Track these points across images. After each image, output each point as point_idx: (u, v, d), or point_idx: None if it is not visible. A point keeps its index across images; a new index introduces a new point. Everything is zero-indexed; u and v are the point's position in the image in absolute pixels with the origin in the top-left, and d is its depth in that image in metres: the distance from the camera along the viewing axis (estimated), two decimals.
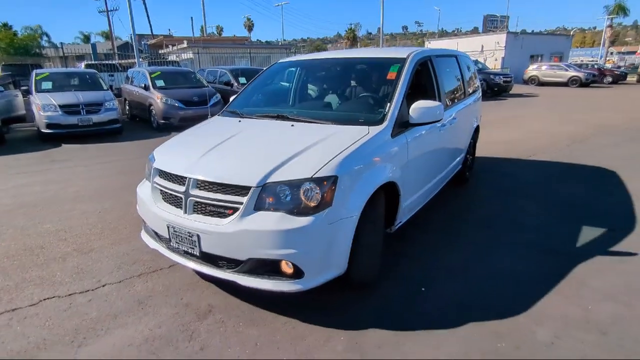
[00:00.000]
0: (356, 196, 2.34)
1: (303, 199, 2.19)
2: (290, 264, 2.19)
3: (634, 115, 11.23)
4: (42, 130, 8.21)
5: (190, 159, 2.55)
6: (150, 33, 46.44)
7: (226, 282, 2.41)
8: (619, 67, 32.76)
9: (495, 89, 17.88)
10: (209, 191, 2.34)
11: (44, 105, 8.17)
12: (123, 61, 19.72)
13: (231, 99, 3.91)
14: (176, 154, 2.84)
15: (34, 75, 9.30)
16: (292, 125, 2.93)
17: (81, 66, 17.45)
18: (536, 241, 3.42)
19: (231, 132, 2.92)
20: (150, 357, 2.09)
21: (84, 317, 2.43)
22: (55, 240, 3.55)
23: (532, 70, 25.13)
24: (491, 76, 18.12)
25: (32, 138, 8.75)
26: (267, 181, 2.22)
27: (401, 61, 3.23)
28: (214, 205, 2.32)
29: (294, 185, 2.21)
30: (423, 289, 2.72)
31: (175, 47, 25.72)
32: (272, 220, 2.16)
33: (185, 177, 2.42)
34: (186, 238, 2.37)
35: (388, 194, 2.74)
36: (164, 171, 2.60)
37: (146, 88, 10.11)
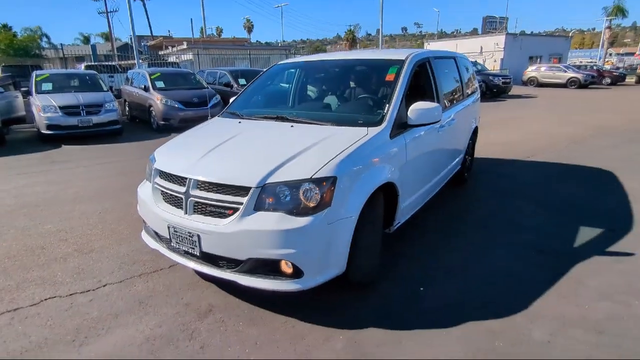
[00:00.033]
0: (355, 197, 2.36)
1: (302, 199, 2.21)
2: (289, 263, 2.21)
3: (632, 116, 11.27)
4: (42, 132, 8.24)
5: (190, 159, 2.57)
6: (150, 34, 46.53)
7: (226, 282, 2.43)
8: (618, 68, 32.84)
9: (494, 90, 17.93)
10: (209, 192, 2.36)
11: (44, 107, 8.19)
12: (123, 62, 19.76)
13: (231, 100, 3.93)
14: (177, 154, 2.86)
15: (34, 77, 9.33)
16: (292, 127, 2.95)
17: (81, 67, 17.48)
18: (534, 241, 3.45)
19: (231, 133, 2.94)
20: (151, 356, 2.11)
21: (85, 316, 2.45)
22: (56, 240, 3.57)
23: (531, 71, 25.20)
24: (490, 77, 18.18)
25: (32, 139, 8.77)
26: (267, 182, 2.24)
27: (400, 63, 3.26)
28: (214, 206, 2.34)
29: (294, 185, 2.23)
30: (422, 288, 2.74)
31: (175, 49, 25.76)
32: (271, 221, 2.18)
33: (186, 178, 2.44)
34: (186, 238, 2.39)
35: (387, 194, 2.76)
36: (165, 172, 2.63)
37: (146, 89, 10.13)
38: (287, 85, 4.16)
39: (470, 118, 4.92)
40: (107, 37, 47.68)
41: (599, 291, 2.67)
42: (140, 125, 10.67)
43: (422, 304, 2.56)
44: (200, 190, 2.39)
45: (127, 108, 11.84)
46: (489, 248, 3.34)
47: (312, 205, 2.21)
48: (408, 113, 2.89)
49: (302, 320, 2.39)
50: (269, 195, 2.24)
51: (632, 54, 55.70)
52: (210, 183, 2.36)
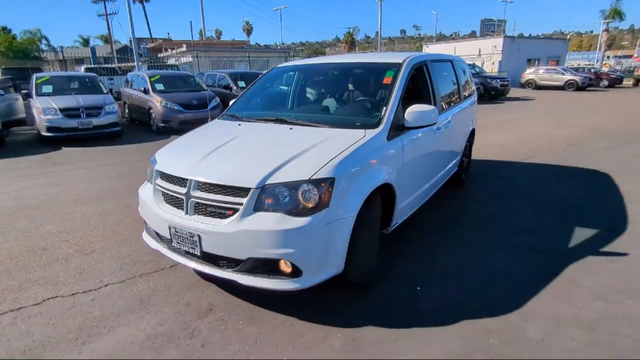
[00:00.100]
0: (353, 197, 2.41)
1: (301, 200, 2.26)
2: (288, 263, 2.25)
3: (629, 118, 11.36)
4: (43, 134, 8.27)
5: (191, 161, 2.62)
6: (149, 37, 46.64)
7: (226, 282, 2.47)
8: (616, 70, 33.00)
9: (492, 92, 18.01)
10: (209, 192, 2.40)
11: (44, 109, 8.23)
12: (122, 65, 19.82)
13: (231, 102, 3.98)
14: (177, 156, 2.91)
15: (34, 79, 9.37)
16: (291, 129, 3.00)
17: (81, 70, 17.54)
18: (530, 242, 3.49)
19: (231, 135, 2.99)
20: (153, 353, 2.15)
21: (87, 315, 2.49)
22: (58, 241, 3.61)
23: (529, 74, 25.33)
24: (488, 80, 18.27)
25: (32, 141, 8.81)
26: (266, 183, 2.28)
27: (397, 66, 3.31)
28: (214, 206, 2.39)
29: (292, 186, 2.27)
30: (419, 288, 2.78)
31: (174, 51, 25.86)
32: (271, 221, 2.23)
33: (187, 179, 2.48)
34: (187, 238, 2.43)
35: (384, 195, 2.81)
36: (166, 173, 2.67)
37: (146, 91, 10.18)
38: (286, 88, 4.21)
39: (468, 120, 4.97)
40: (107, 39, 47.81)
41: (593, 291, 2.71)
42: (140, 128, 10.71)
43: (419, 304, 2.61)
44: (201, 191, 2.43)
45: (126, 110, 11.88)
46: (486, 249, 3.39)
47: (310, 205, 2.25)
48: (405, 115, 2.94)
49: (301, 319, 2.43)
50: (268, 196, 2.28)
51: (630, 56, 55.97)
52: (210, 184, 2.40)
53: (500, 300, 2.62)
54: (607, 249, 3.36)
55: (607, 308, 2.53)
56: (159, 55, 27.57)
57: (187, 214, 2.46)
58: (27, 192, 5.16)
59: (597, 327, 2.33)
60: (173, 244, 2.57)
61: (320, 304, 2.57)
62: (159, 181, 2.72)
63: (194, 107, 9.75)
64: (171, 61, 23.92)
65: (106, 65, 19.30)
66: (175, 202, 2.58)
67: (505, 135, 8.94)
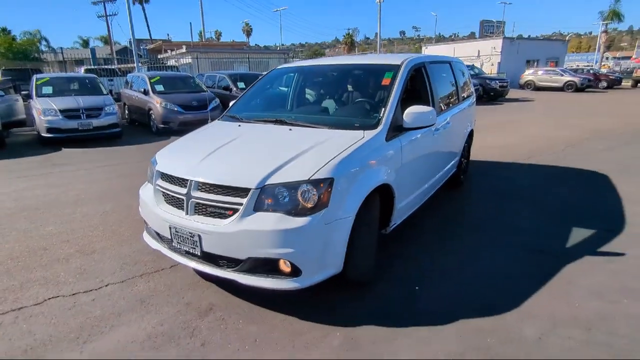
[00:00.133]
0: (352, 198, 2.43)
1: (300, 200, 2.28)
2: (288, 262, 2.28)
3: (628, 120, 11.39)
4: (43, 135, 8.29)
5: (191, 162, 2.64)
6: (149, 38, 46.69)
7: (226, 282, 2.49)
8: (614, 72, 33.09)
9: (491, 93, 18.05)
10: (209, 193, 2.42)
11: (44, 110, 8.25)
12: (122, 66, 19.85)
13: (230, 104, 4.00)
14: (178, 157, 2.93)
15: (34, 80, 9.40)
16: (290, 130, 3.02)
17: (81, 71, 17.57)
18: (528, 243, 3.52)
19: (231, 136, 3.01)
20: (153, 352, 2.17)
21: (88, 315, 2.51)
22: (58, 242, 3.63)
23: (528, 75, 25.39)
24: (487, 81, 18.31)
25: (32, 142, 8.82)
26: (266, 183, 2.31)
27: (395, 68, 3.34)
28: (214, 207, 2.41)
29: (292, 187, 2.30)
30: (417, 287, 2.80)
31: (174, 52, 25.89)
32: (270, 221, 2.25)
33: (187, 180, 2.51)
34: (188, 238, 2.46)
35: (383, 196, 2.83)
36: (166, 174, 2.69)
37: (145, 93, 10.20)
38: (286, 89, 4.23)
39: (466, 121, 5.00)
40: (106, 40, 47.81)
41: (590, 291, 2.74)
42: (140, 129, 10.74)
43: (418, 304, 2.63)
44: (201, 191, 2.45)
45: (126, 111, 11.89)
46: (484, 250, 3.40)
47: (309, 205, 2.28)
48: (403, 117, 2.96)
49: (301, 319, 2.45)
50: (268, 196, 2.30)
51: (629, 57, 56.13)
52: (210, 184, 2.43)
53: (498, 300, 2.64)
54: (604, 249, 3.39)
55: (604, 307, 2.55)
56: (159, 57, 27.62)
57: (187, 214, 2.48)
58: (27, 193, 5.18)
59: (594, 326, 2.35)
60: (173, 244, 2.59)
61: (320, 304, 2.59)
62: (160, 182, 2.74)
63: (194, 108, 9.78)
64: (171, 62, 23.96)
65: (106, 67, 19.34)
66: (175, 202, 2.60)
67: (504, 136, 8.97)
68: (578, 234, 3.67)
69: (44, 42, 39.25)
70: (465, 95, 5.00)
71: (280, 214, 2.27)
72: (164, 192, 2.70)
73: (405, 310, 2.55)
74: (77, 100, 8.75)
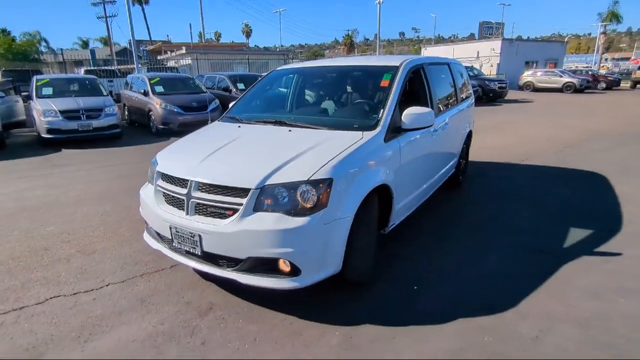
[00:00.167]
0: (350, 198, 2.45)
1: (300, 200, 2.30)
2: (287, 262, 2.30)
3: (626, 120, 11.44)
4: (43, 135, 8.31)
5: (192, 162, 2.66)
6: (148, 39, 46.74)
7: (226, 281, 2.52)
8: (613, 73, 33.17)
9: (490, 94, 18.09)
10: (210, 193, 2.45)
11: (44, 111, 8.27)
12: (122, 67, 19.88)
13: (230, 105, 4.03)
14: (178, 158, 2.95)
15: (34, 81, 9.42)
16: (290, 131, 3.05)
17: (80, 72, 17.60)
18: (526, 243, 3.54)
19: (231, 137, 3.03)
20: (154, 351, 2.19)
21: (89, 314, 2.53)
22: (59, 242, 3.65)
23: (527, 76, 25.45)
24: (486, 82, 18.35)
25: (32, 143, 8.84)
26: (266, 183, 2.33)
27: (394, 69, 3.37)
28: (214, 207, 2.43)
29: (291, 187, 2.32)
30: (415, 287, 2.83)
31: (173, 53, 25.93)
32: (270, 221, 2.27)
33: (187, 180, 2.53)
34: (188, 238, 2.48)
35: (382, 196, 2.86)
36: (167, 174, 2.72)
37: (145, 94, 10.23)
38: (286, 91, 4.26)
39: (465, 122, 5.03)
40: (106, 41, 47.86)
41: (587, 290, 2.76)
42: (140, 130, 10.76)
43: (416, 303, 2.65)
44: (202, 192, 2.48)
45: (126, 112, 11.91)
46: (482, 250, 3.43)
47: (309, 206, 2.30)
48: (402, 118, 2.99)
49: (300, 318, 2.47)
50: (267, 197, 2.33)
51: (627, 58, 56.24)
52: (211, 185, 2.45)
53: (496, 299, 2.66)
54: (602, 249, 3.41)
55: (601, 307, 2.57)
56: (159, 58, 27.65)
57: (187, 214, 2.50)
58: (28, 193, 5.20)
59: (591, 325, 2.38)
60: (174, 244, 2.62)
61: (319, 304, 2.61)
62: (160, 182, 2.76)
63: (194, 109, 9.80)
64: (171, 63, 23.99)
65: (106, 68, 19.36)
66: (176, 202, 2.62)
67: (503, 137, 9.01)
68: (576, 234, 3.70)
69: (43, 43, 39.27)
70: (463, 96, 5.03)
71: (279, 214, 2.30)
72: (164, 193, 2.73)
73: (403, 309, 2.58)
74: (77, 101, 8.77)
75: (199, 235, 2.41)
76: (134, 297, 2.73)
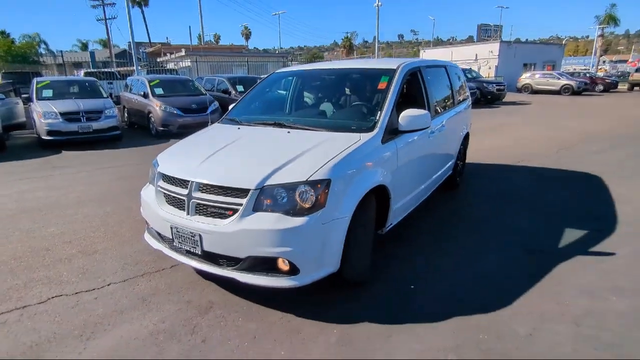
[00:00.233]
0: (348, 198, 2.50)
1: (298, 200, 2.35)
2: (286, 261, 2.34)
3: (622, 122, 11.52)
4: (43, 137, 8.35)
5: (192, 163, 2.71)
6: (148, 41, 46.81)
7: (226, 280, 2.56)
8: (611, 75, 33.34)
9: (488, 97, 18.18)
10: (210, 194, 2.50)
11: (44, 113, 8.32)
12: (122, 69, 19.93)
13: (230, 107, 4.08)
14: (179, 159, 3.00)
15: (34, 83, 9.47)
16: (289, 132, 3.10)
17: (80, 74, 17.64)
18: (522, 243, 3.59)
19: (231, 138, 3.08)
20: (155, 349, 2.23)
21: (91, 313, 2.57)
22: (60, 242, 3.69)
23: (526, 78, 25.56)
24: (484, 84, 18.44)
25: (32, 145, 8.88)
26: (265, 184, 2.38)
27: (391, 72, 3.42)
28: (215, 207, 2.48)
29: (290, 187, 2.37)
30: (412, 286, 2.87)
31: (173, 55, 25.98)
32: (269, 221, 2.32)
33: (188, 181, 2.58)
34: (189, 238, 2.52)
35: (379, 197, 2.90)
36: (168, 175, 2.76)
37: (145, 96, 10.28)
38: (285, 93, 4.31)
39: (462, 124, 5.09)
40: (105, 43, 47.98)
41: (580, 289, 2.81)
42: (139, 132, 10.80)
43: (413, 303, 2.69)
44: (202, 192, 2.52)
45: (126, 114, 11.97)
46: (479, 251, 3.47)
47: (307, 206, 2.35)
48: (399, 120, 3.04)
49: (299, 316, 2.51)
50: (266, 197, 2.38)
51: (625, 61, 56.52)
52: (211, 185, 2.50)
53: (491, 298, 2.70)
54: (596, 248, 3.46)
55: (593, 305, 2.62)
56: (158, 60, 27.71)
57: (188, 214, 2.55)
58: (29, 195, 5.23)
59: (583, 322, 2.43)
60: (175, 244, 2.66)
61: (317, 303, 2.66)
62: (161, 183, 2.81)
63: (193, 111, 9.86)
64: (170, 65, 24.03)
65: (105, 70, 19.40)
66: (176, 203, 2.67)
67: (501, 139, 9.07)
68: (571, 235, 3.75)
69: (42, 45, 39.32)
70: (460, 98, 5.09)
71: (278, 214, 2.34)
72: (165, 193, 2.77)
73: (400, 308, 2.62)
74: (77, 103, 8.82)
75: (200, 235, 2.45)
76: (135, 296, 2.77)
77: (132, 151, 8.38)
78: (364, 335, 2.35)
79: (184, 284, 2.90)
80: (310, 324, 2.45)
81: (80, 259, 3.34)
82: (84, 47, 56.06)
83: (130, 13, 15.10)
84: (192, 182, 2.55)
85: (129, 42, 16.78)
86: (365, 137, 2.84)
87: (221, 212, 2.46)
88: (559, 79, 24.10)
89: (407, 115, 3.03)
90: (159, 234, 2.83)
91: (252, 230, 2.31)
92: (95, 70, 20.05)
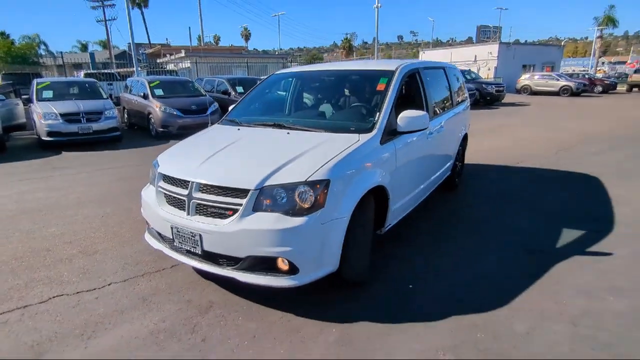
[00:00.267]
0: (347, 199, 2.52)
1: (298, 200, 2.37)
2: (285, 261, 2.36)
3: (621, 124, 11.56)
4: (43, 138, 8.37)
5: (192, 164, 2.73)
6: (147, 42, 46.86)
7: (226, 280, 2.58)
8: (610, 76, 33.41)
9: (487, 98, 18.23)
10: (210, 194, 2.52)
11: (45, 114, 8.34)
12: (121, 70, 19.96)
13: (230, 108, 4.10)
14: (179, 160, 3.02)
15: (35, 84, 9.50)
16: (288, 133, 3.12)
17: (80, 75, 17.67)
18: (521, 243, 3.61)
19: (231, 139, 3.11)
20: (156, 347, 2.25)
21: (92, 312, 2.59)
22: (61, 243, 3.70)
23: (525, 79, 25.64)
24: (484, 85, 18.49)
25: (32, 146, 8.90)
26: (265, 184, 2.40)
27: (390, 74, 3.45)
28: (215, 207, 2.50)
29: (289, 188, 2.39)
30: (411, 286, 2.89)
31: (173, 57, 26.01)
32: (269, 221, 2.34)
33: (188, 181, 2.60)
34: (189, 238, 2.54)
35: (378, 197, 2.93)
36: (168, 176, 2.78)
37: (145, 97, 10.30)
38: (284, 94, 4.34)
39: (460, 125, 5.11)
40: (105, 44, 48.03)
41: (578, 289, 2.83)
42: (139, 132, 10.82)
43: (412, 303, 2.71)
44: (202, 192, 2.54)
45: (126, 115, 11.99)
46: (478, 251, 3.49)
47: (306, 206, 2.37)
48: (397, 121, 3.06)
49: (298, 316, 2.53)
50: (266, 197, 2.40)
51: (624, 62, 56.64)
52: (211, 186, 2.52)
53: (489, 298, 2.72)
54: (593, 249, 3.49)
55: (590, 304, 2.64)
56: (158, 61, 27.76)
57: (188, 214, 2.57)
58: (29, 195, 5.25)
59: (580, 321, 2.45)
60: (175, 244, 2.68)
61: (316, 302, 2.67)
62: (162, 183, 2.83)
63: (193, 112, 9.89)
64: (170, 67, 24.07)
65: (105, 71, 19.44)
66: (177, 203, 2.69)
67: (500, 140, 9.10)
68: (569, 235, 3.77)
69: (42, 46, 39.36)
70: (459, 100, 5.12)
71: (278, 214, 2.36)
72: (165, 194, 2.79)
73: (399, 308, 2.64)
74: (77, 104, 8.85)
75: (200, 235, 2.47)
76: (135, 296, 2.79)
77: (132, 152, 8.40)
78: (363, 334, 2.36)
79: (184, 284, 2.92)
80: (310, 323, 2.46)
81: (80, 259, 3.36)
82: (84, 48, 56.10)
83: (130, 14, 15.13)
84: (193, 182, 2.57)
85: (129, 43, 16.83)
86: (364, 138, 2.87)
87: (221, 212, 2.48)
88: (557, 80, 24.17)
89: (406, 116, 3.05)
90: (159, 234, 2.85)
91: (251, 230, 2.33)
92: (95, 71, 20.10)
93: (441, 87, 4.54)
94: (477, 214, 4.41)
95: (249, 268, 2.42)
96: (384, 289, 2.86)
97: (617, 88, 27.86)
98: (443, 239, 3.75)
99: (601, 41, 43.16)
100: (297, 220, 2.33)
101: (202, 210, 2.55)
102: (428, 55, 35.14)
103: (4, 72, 19.06)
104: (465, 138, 5.44)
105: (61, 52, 21.42)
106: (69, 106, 8.70)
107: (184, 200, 2.60)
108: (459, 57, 30.15)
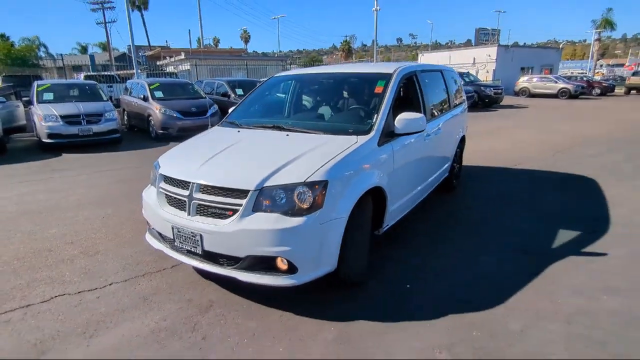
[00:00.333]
0: (345, 199, 2.56)
1: (296, 201, 2.41)
2: (285, 260, 2.40)
3: (619, 126, 11.62)
4: (43, 140, 8.40)
5: (193, 165, 2.77)
6: (147, 45, 46.97)
7: (226, 280, 2.62)
8: (608, 79, 33.56)
9: (486, 100, 18.30)
10: (210, 194, 2.56)
11: (45, 116, 8.38)
12: (121, 72, 20.03)
13: (230, 110, 4.15)
14: (180, 161, 3.06)
15: (35, 87, 9.54)
16: (287, 135, 3.16)
17: (80, 77, 17.73)
18: (517, 244, 3.65)
19: (231, 141, 3.15)
20: (157, 346, 2.29)
21: (94, 311, 2.62)
22: (62, 243, 3.74)
23: (523, 82, 25.75)
24: (482, 88, 18.56)
25: (32, 148, 8.93)
26: (264, 185, 2.44)
27: (387, 76, 3.50)
28: (215, 208, 2.54)
29: (289, 189, 2.43)
30: (408, 286, 2.93)
31: (172, 59, 26.09)
32: (268, 221, 2.38)
33: (189, 182, 2.64)
34: (189, 238, 2.58)
35: (376, 198, 2.97)
36: (169, 177, 2.82)
37: (145, 99, 10.35)
38: (284, 96, 4.38)
39: (458, 127, 5.16)
40: (105, 47, 48.13)
41: (572, 288, 2.87)
42: (139, 134, 10.86)
43: (409, 302, 2.75)
44: (203, 193, 2.59)
45: (126, 117, 12.03)
46: (475, 252, 3.52)
47: (305, 206, 2.41)
48: (395, 123, 3.11)
49: (297, 315, 2.57)
50: (266, 198, 2.44)
51: (622, 65, 56.87)
52: (212, 187, 2.56)
53: (485, 297, 2.76)
54: (588, 249, 3.53)
55: (584, 304, 2.68)
56: (158, 63, 27.84)
57: (189, 215, 2.61)
58: (29, 197, 5.28)
59: (574, 320, 2.49)
60: (176, 244, 2.72)
61: (315, 302, 2.71)
62: (163, 184, 2.87)
63: (193, 114, 9.93)
64: (170, 69, 24.16)
65: (105, 73, 19.52)
66: (178, 204, 2.73)
67: (499, 142, 9.15)
68: (565, 235, 3.81)
69: (42, 49, 39.45)
70: (457, 102, 5.17)
71: (277, 214, 2.41)
72: (166, 194, 2.83)
73: (397, 308, 2.68)
74: (77, 106, 8.89)
75: (200, 235, 2.51)
76: (136, 295, 2.82)
77: (132, 154, 8.44)
78: (361, 332, 2.40)
79: (184, 284, 2.96)
80: (309, 322, 2.50)
81: (82, 260, 3.39)
82: (84, 50, 56.21)
83: (130, 16, 15.21)
84: (193, 183, 2.62)
85: (129, 45, 16.90)
86: (362, 139, 2.91)
87: (221, 213, 2.52)
88: (556, 82, 24.28)
89: (403, 118, 3.10)
90: (160, 234, 2.89)
91: (251, 230, 2.37)
92: (95, 73, 20.18)
93: (439, 89, 4.59)
94: (476, 216, 4.45)
95: (249, 267, 2.46)
96: (382, 289, 2.90)
97: (615, 90, 27.97)
98: (440, 241, 3.78)
99: (599, 44, 43.37)
100: (296, 221, 2.37)
101: (203, 210, 2.59)
102: (427, 58, 35.27)
103: (4, 74, 19.12)
104: (463, 140, 5.49)
105: (61, 54, 21.50)
106: (69, 108, 8.74)
107: (185, 201, 2.64)
108: (457, 60, 30.30)
